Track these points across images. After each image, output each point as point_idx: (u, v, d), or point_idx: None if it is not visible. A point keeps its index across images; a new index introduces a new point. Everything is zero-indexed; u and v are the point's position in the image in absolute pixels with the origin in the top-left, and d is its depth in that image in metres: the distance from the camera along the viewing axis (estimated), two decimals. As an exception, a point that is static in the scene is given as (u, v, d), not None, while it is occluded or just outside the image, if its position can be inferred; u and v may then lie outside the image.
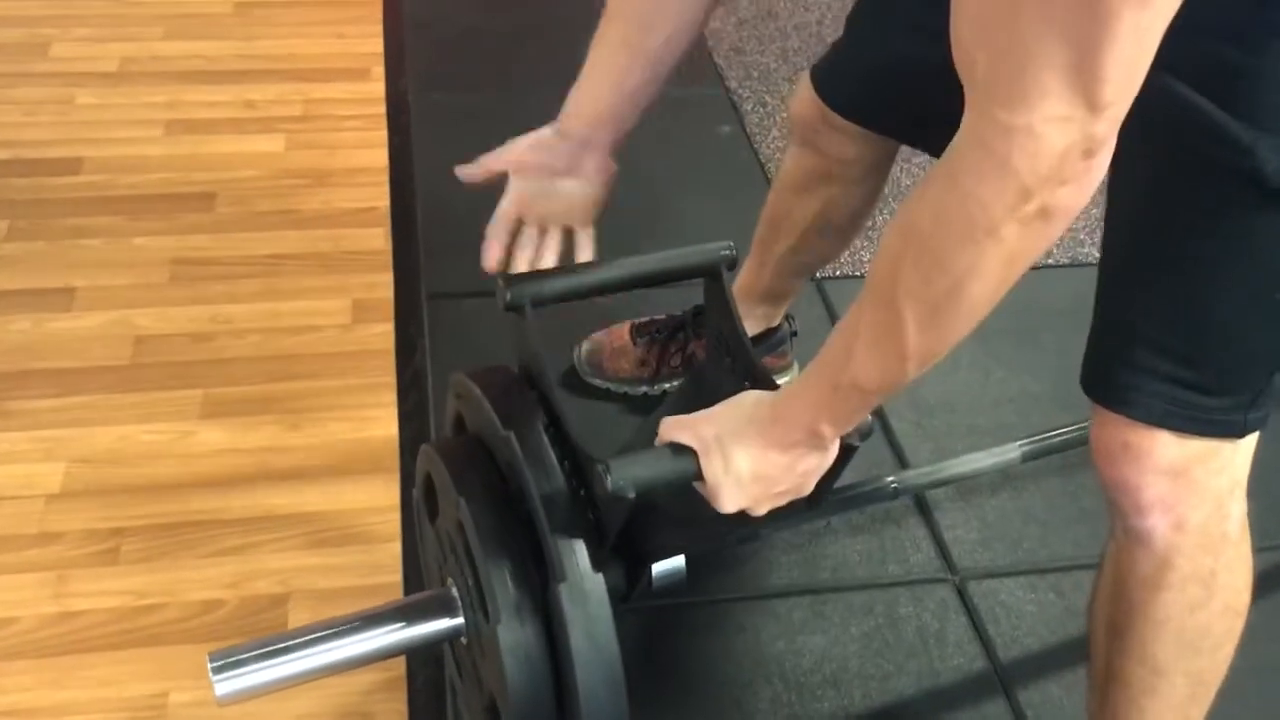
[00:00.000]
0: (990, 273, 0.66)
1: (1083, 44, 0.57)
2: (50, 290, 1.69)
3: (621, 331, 1.58)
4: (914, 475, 1.33)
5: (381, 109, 2.13)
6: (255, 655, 0.98)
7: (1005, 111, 0.61)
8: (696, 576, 1.31)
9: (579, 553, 0.90)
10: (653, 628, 1.32)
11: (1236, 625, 0.94)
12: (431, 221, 1.87)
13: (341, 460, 1.48)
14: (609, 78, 1.01)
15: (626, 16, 0.99)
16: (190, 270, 1.74)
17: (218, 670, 0.96)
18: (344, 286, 1.74)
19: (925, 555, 1.41)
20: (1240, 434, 0.87)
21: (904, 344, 0.72)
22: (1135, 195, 0.84)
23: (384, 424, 1.53)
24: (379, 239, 1.83)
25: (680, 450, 0.84)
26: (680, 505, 0.91)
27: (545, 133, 1.05)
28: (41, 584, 1.31)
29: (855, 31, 1.21)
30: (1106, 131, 0.60)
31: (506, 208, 1.07)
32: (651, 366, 1.55)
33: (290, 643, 1.00)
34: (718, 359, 1.07)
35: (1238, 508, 0.91)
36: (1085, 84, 0.58)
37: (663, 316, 1.57)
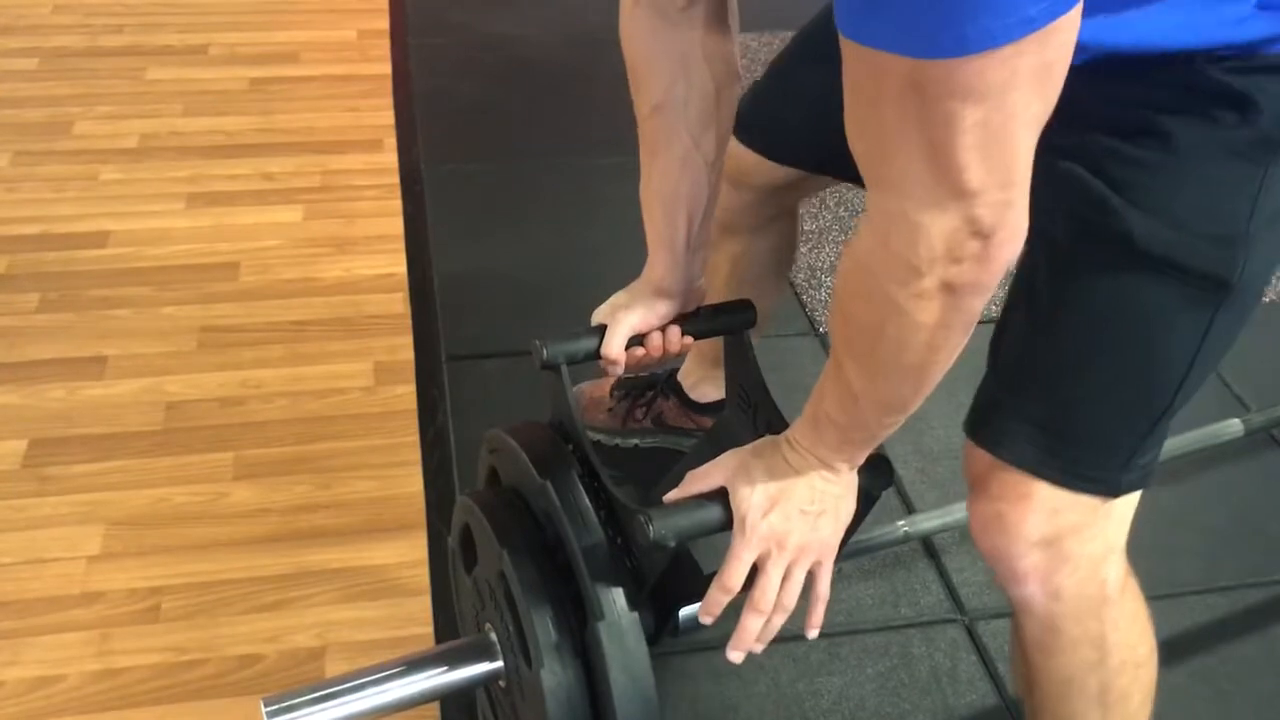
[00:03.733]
0: (910, 341, 0.74)
1: (934, 139, 0.64)
2: (83, 359, 1.75)
3: (604, 385, 1.65)
4: (922, 519, 1.38)
5: (395, 178, 2.21)
6: (306, 700, 1.03)
7: (883, 198, 0.69)
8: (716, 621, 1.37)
9: (617, 594, 0.96)
10: (677, 671, 1.37)
11: (1141, 675, 0.99)
12: (447, 286, 1.94)
13: (370, 517, 1.54)
14: (666, 237, 1.06)
15: (656, 192, 1.05)
16: (218, 337, 1.81)
17: (272, 714, 1.01)
18: (366, 350, 1.80)
19: (935, 597, 1.47)
20: (1112, 493, 0.91)
21: (851, 389, 0.81)
22: (1030, 249, 0.90)
23: (410, 481, 1.59)
24: (398, 304, 1.90)
25: (713, 499, 0.91)
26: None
27: (647, 300, 1.07)
28: (85, 642, 1.35)
29: (779, 73, 1.24)
30: (992, 213, 0.67)
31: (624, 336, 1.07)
32: (619, 419, 1.62)
33: (339, 688, 1.05)
34: (740, 412, 1.13)
35: (1114, 571, 0.94)
36: (945, 174, 0.65)
37: (646, 374, 1.63)
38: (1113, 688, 0.97)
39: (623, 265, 1.13)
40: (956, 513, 1.36)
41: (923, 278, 0.70)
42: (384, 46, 2.67)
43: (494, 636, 1.08)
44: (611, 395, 1.63)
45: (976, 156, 0.65)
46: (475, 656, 1.08)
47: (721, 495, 0.91)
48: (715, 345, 1.47)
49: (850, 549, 1.33)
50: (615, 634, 0.96)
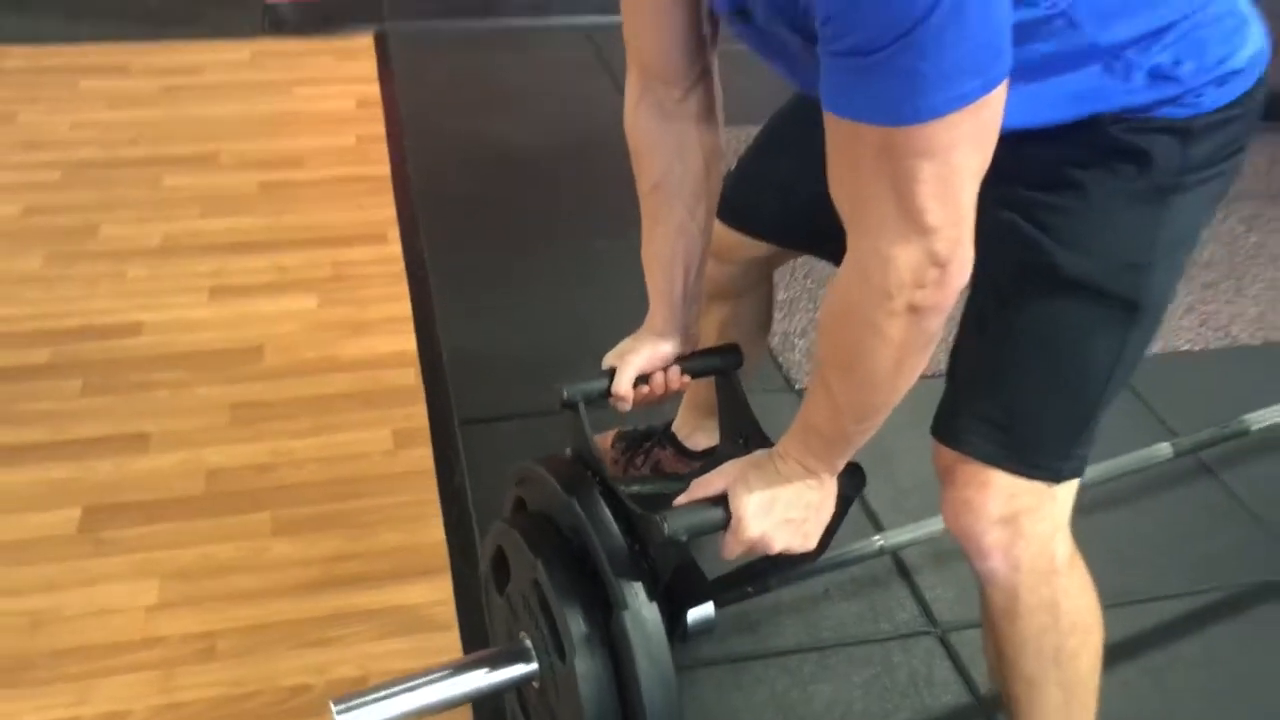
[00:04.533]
0: (883, 355, 0.93)
1: (900, 189, 0.85)
2: (127, 435, 1.92)
3: (607, 438, 1.82)
4: (894, 534, 1.56)
5: (401, 266, 2.40)
6: (370, 700, 1.19)
7: (861, 239, 0.90)
8: (719, 641, 1.55)
9: (637, 588, 1.13)
10: (684, 684, 1.52)
11: (1089, 640, 1.17)
12: (456, 359, 2.12)
13: (399, 564, 1.69)
14: (665, 294, 1.25)
15: (656, 255, 1.25)
16: (249, 413, 1.98)
17: (341, 711, 1.17)
18: (385, 419, 1.98)
19: (910, 613, 1.64)
20: (1056, 479, 1.10)
21: (835, 401, 1.00)
22: (977, 285, 1.09)
23: (432, 532, 1.75)
24: (411, 377, 2.08)
25: (716, 502, 1.09)
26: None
27: (651, 345, 1.26)
28: (149, 681, 1.50)
29: (757, 158, 1.43)
30: (947, 247, 0.87)
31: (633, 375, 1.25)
32: (621, 469, 1.79)
33: (397, 689, 1.21)
34: (734, 446, 1.31)
35: (1062, 546, 1.13)
36: (909, 215, 0.86)
37: (644, 428, 1.81)
38: (1064, 648, 1.15)
39: (616, 331, 1.31)
40: (927, 527, 1.53)
41: (893, 300, 0.90)
42: (382, 150, 2.88)
43: (529, 643, 1.24)
44: (613, 447, 1.81)
45: (934, 201, 0.85)
46: (513, 660, 1.24)
47: (723, 499, 1.09)
48: (708, 398, 1.66)
49: (833, 560, 1.51)
50: (637, 622, 1.12)
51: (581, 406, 1.25)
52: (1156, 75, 1.00)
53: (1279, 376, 2.14)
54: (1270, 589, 1.72)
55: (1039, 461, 1.09)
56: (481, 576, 1.36)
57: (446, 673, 1.24)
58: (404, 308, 2.28)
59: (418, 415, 1.99)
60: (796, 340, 2.20)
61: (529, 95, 3.25)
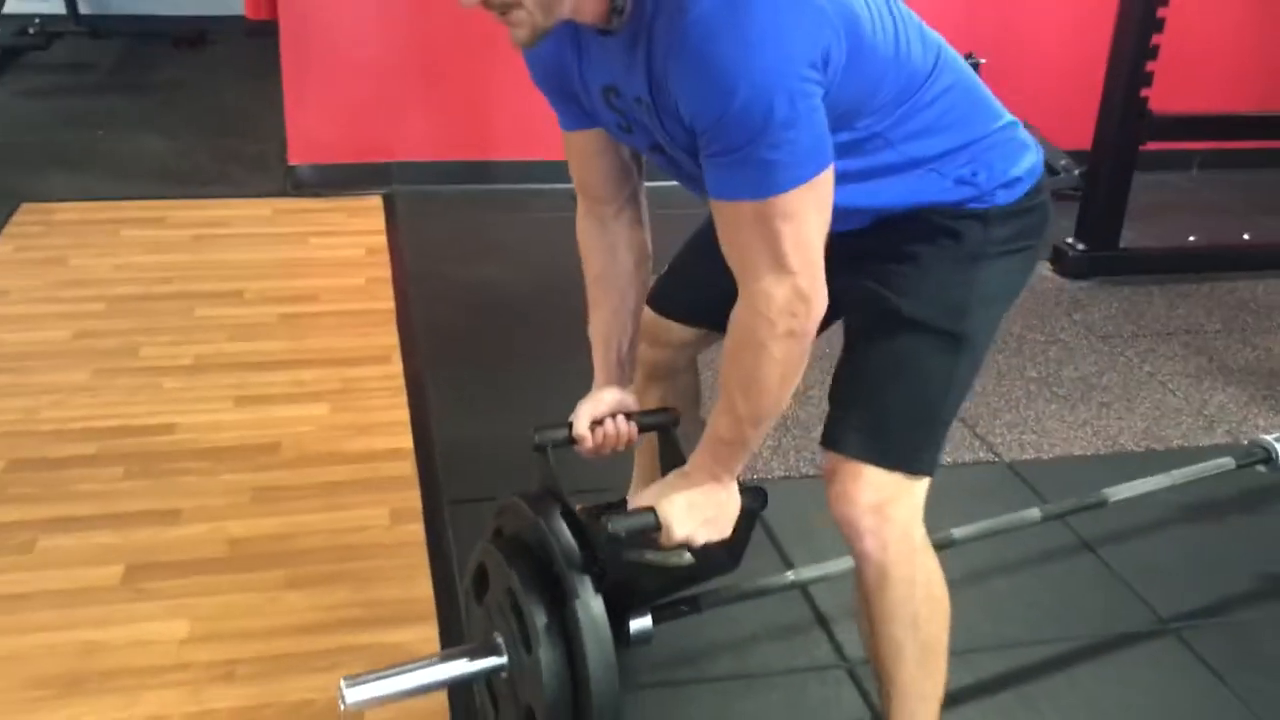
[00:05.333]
0: (772, 369, 1.30)
1: (769, 245, 1.24)
2: (162, 510, 2.24)
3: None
4: (804, 570, 1.87)
5: (401, 383, 2.77)
6: (372, 678, 1.50)
7: (749, 284, 1.28)
8: (662, 669, 1.84)
9: (586, 582, 1.45)
10: (627, 675, 1.78)
11: (938, 608, 1.49)
12: (446, 453, 2.47)
13: (394, 612, 2.00)
14: (604, 356, 1.62)
15: (598, 331, 1.62)
16: (267, 494, 2.31)
17: (349, 685, 1.47)
18: (384, 500, 2.30)
19: (825, 651, 1.95)
20: (912, 472, 1.43)
21: (736, 412, 1.36)
22: (850, 319, 1.48)
23: (423, 588, 2.06)
24: (408, 469, 2.42)
25: (647, 511, 1.42)
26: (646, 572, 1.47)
27: (596, 396, 1.60)
28: (182, 696, 1.79)
29: (682, 262, 1.79)
30: (807, 283, 1.25)
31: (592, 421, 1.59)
32: None
33: (393, 671, 1.52)
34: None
35: (918, 531, 1.46)
36: (778, 262, 1.24)
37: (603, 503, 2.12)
38: (920, 614, 1.47)
39: None
40: (831, 566, 1.84)
41: (775, 326, 1.27)
42: (388, 290, 3.29)
43: (501, 641, 1.55)
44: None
45: (793, 251, 1.24)
46: (488, 653, 1.55)
47: (652, 510, 1.42)
48: (654, 470, 2.00)
49: (755, 589, 1.82)
50: (585, 608, 1.43)
51: (549, 449, 1.59)
52: (960, 181, 1.42)
53: (1147, 469, 2.47)
54: (1125, 637, 2.03)
55: (898, 458, 1.43)
56: (463, 592, 1.68)
57: (435, 660, 1.56)
58: (403, 415, 2.63)
59: (412, 498, 2.32)
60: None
61: (517, 246, 3.69)
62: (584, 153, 1.55)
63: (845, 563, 1.83)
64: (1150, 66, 3.45)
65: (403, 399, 2.70)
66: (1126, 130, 3.50)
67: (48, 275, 3.28)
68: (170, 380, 2.74)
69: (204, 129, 4.77)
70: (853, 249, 1.43)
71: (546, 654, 1.44)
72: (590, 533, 1.48)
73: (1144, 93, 3.47)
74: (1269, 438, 2.20)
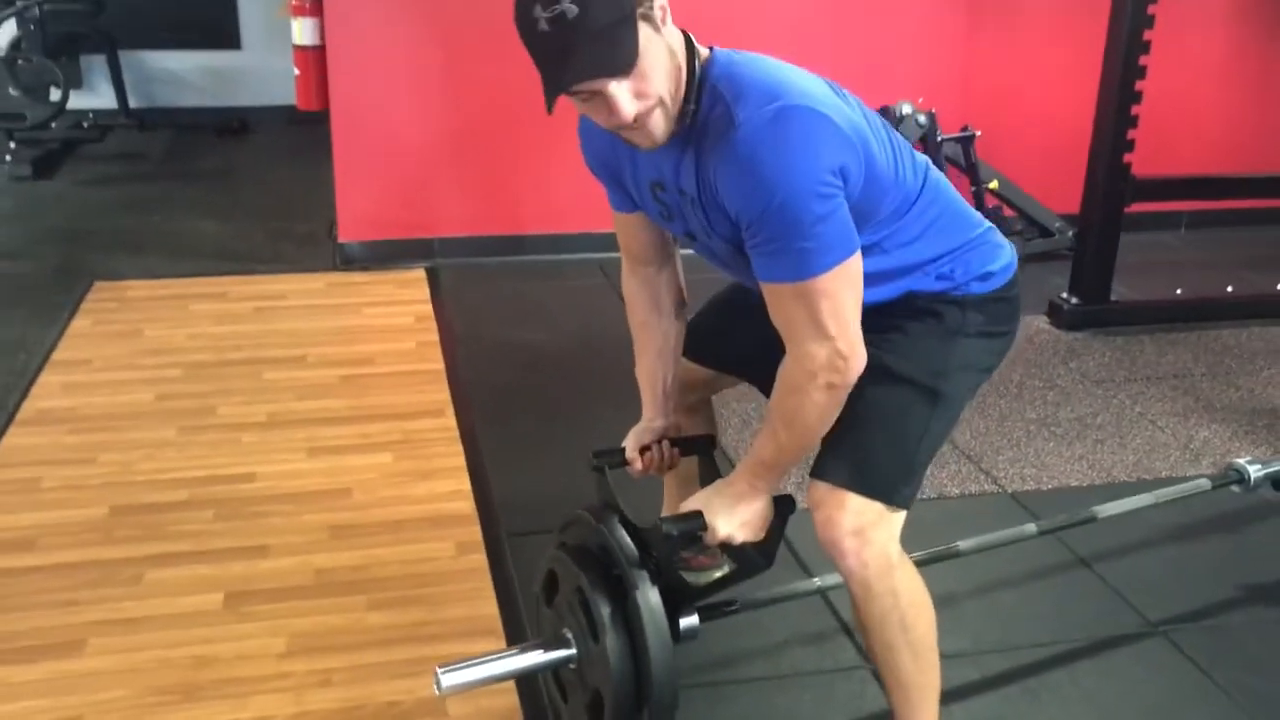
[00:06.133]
0: (812, 411, 1.58)
1: (812, 316, 1.52)
2: (252, 547, 2.51)
3: None
4: (827, 577, 2.12)
5: (456, 433, 3.05)
6: (463, 666, 1.75)
7: (795, 346, 1.56)
8: (704, 672, 2.09)
9: (644, 576, 1.71)
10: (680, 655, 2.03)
11: (923, 612, 1.72)
12: (501, 493, 2.74)
13: (463, 629, 2.25)
14: (651, 391, 1.90)
15: (645, 370, 1.91)
16: (344, 532, 2.58)
17: (444, 672, 1.73)
18: (449, 535, 2.57)
19: (849, 654, 2.19)
20: (891, 503, 1.66)
21: (779, 443, 1.63)
22: None
23: (488, 607, 2.32)
24: (467, 508, 2.69)
25: (695, 516, 1.68)
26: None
27: (650, 424, 1.89)
28: (285, 699, 2.04)
29: (705, 317, 2.03)
30: (846, 346, 1.54)
31: (640, 446, 1.88)
32: None
33: (480, 660, 1.78)
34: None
35: (895, 550, 1.67)
36: (819, 330, 1.52)
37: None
38: (906, 618, 1.70)
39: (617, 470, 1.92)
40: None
41: (816, 379, 1.55)
42: (437, 352, 3.59)
43: (570, 635, 1.81)
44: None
45: (831, 321, 1.52)
46: (559, 645, 1.80)
47: (699, 513, 1.69)
48: (682, 489, 2.24)
49: (784, 594, 2.07)
50: (644, 599, 1.69)
51: (606, 470, 1.87)
52: (941, 276, 1.73)
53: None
54: (1118, 639, 2.28)
55: (877, 489, 1.66)
56: (533, 597, 1.94)
57: (515, 652, 1.82)
58: (459, 461, 2.91)
59: (473, 532, 2.59)
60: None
61: (551, 310, 4.00)
62: (631, 228, 1.86)
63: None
64: (1131, 134, 3.76)
65: (458, 447, 2.98)
66: (1111, 193, 3.80)
67: (126, 345, 3.59)
68: (248, 435, 3.02)
69: (254, 211, 5.12)
70: None
71: (612, 641, 1.70)
72: (646, 537, 1.74)
73: (1126, 158, 3.78)
74: (1242, 460, 2.46)
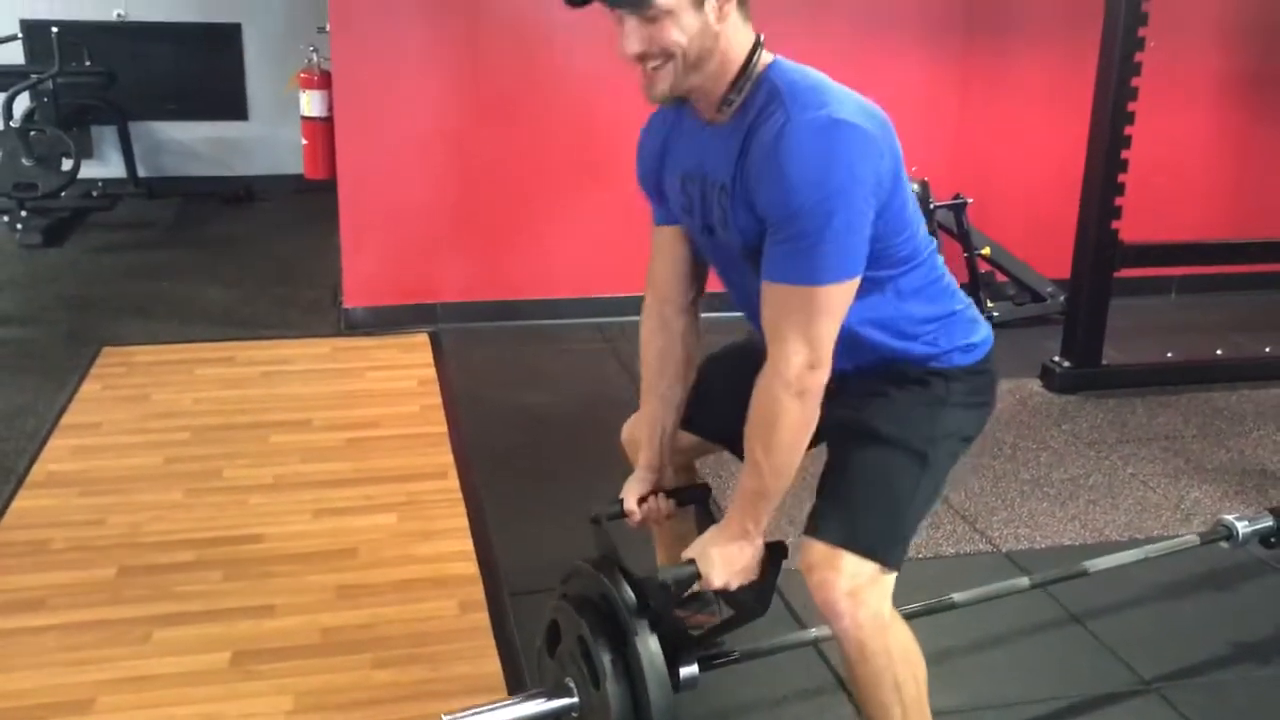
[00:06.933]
0: (787, 421, 1.63)
1: (803, 321, 1.59)
2: (259, 606, 2.55)
3: None
4: (823, 629, 2.15)
5: (459, 495, 3.10)
6: (469, 714, 1.80)
7: (777, 349, 1.61)
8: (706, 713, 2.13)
9: (644, 624, 1.75)
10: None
11: (916, 672, 1.76)
12: (503, 554, 2.78)
13: (466, 686, 2.29)
14: (650, 441, 1.96)
15: (646, 419, 1.97)
16: (349, 591, 2.62)
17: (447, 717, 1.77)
18: (452, 594, 2.61)
19: (848, 710, 2.23)
20: (883, 564, 1.70)
21: (758, 465, 1.68)
22: (833, 438, 1.81)
23: (491, 665, 2.36)
24: (470, 567, 2.73)
25: (690, 564, 1.73)
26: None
27: (644, 476, 1.95)
28: (292, 756, 2.08)
29: (698, 385, 2.07)
30: (820, 359, 1.60)
31: (638, 498, 1.94)
32: None
33: (484, 709, 1.82)
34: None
35: (887, 610, 1.72)
36: (805, 336, 1.59)
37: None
38: (899, 677, 1.74)
39: (615, 528, 1.94)
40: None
41: (790, 385, 1.61)
42: (440, 415, 3.65)
43: (572, 684, 1.85)
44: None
45: (818, 331, 1.60)
46: (562, 694, 1.85)
47: (693, 563, 1.73)
48: (673, 538, 2.26)
49: (779, 645, 2.11)
50: (644, 644, 1.73)
51: (604, 521, 1.92)
52: (927, 342, 1.80)
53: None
54: (1112, 696, 2.31)
55: (870, 548, 1.71)
56: (535, 650, 1.98)
57: (519, 700, 1.86)
58: (462, 522, 2.95)
59: (476, 592, 2.63)
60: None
61: (550, 374, 4.06)
62: (666, 246, 1.92)
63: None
64: (1118, 201, 3.86)
65: (461, 509, 3.03)
66: (1100, 259, 3.89)
67: (135, 409, 3.65)
68: (254, 497, 3.07)
69: (260, 277, 5.21)
70: (838, 389, 1.76)
71: (613, 688, 1.75)
72: (644, 587, 1.79)
73: (1114, 225, 3.87)
74: (1230, 517, 2.51)
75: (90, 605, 2.54)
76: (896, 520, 1.76)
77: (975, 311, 1.88)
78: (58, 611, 2.52)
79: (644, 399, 1.97)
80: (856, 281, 1.62)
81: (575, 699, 1.84)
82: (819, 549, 1.71)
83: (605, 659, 1.75)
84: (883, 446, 1.76)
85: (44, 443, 3.37)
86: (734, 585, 1.73)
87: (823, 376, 1.63)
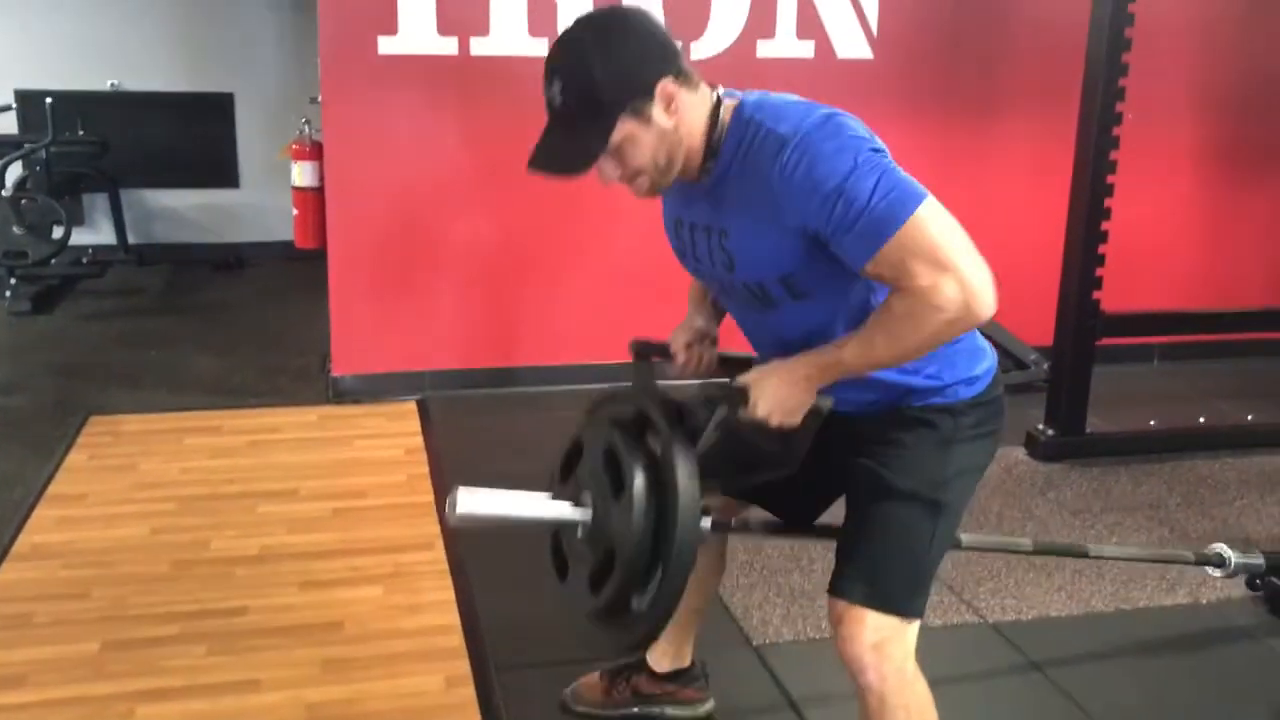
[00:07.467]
0: (924, 338, 1.61)
1: (924, 255, 1.57)
2: (244, 681, 2.53)
3: (594, 675, 2.45)
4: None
5: (445, 566, 3.09)
6: (484, 492, 1.76)
7: (912, 281, 1.57)
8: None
9: (679, 430, 1.67)
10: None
11: None
12: (491, 627, 2.77)
13: (453, 763, 2.28)
14: (698, 298, 2.04)
15: (695, 287, 2.05)
16: (335, 665, 2.61)
17: (466, 492, 1.72)
18: (439, 669, 2.60)
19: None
20: (905, 617, 1.75)
21: (872, 347, 1.65)
22: (850, 494, 1.84)
23: (478, 742, 2.35)
24: (457, 641, 2.72)
25: (743, 387, 1.68)
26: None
27: (694, 323, 2.01)
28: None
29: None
30: (969, 275, 1.57)
31: (685, 343, 1.99)
32: (604, 693, 2.40)
33: (505, 492, 1.78)
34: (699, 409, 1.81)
35: (910, 666, 1.77)
36: (938, 263, 1.57)
37: (622, 664, 2.41)
38: None
39: None
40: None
41: (943, 311, 1.57)
42: (427, 485, 3.65)
43: (590, 500, 1.75)
44: (600, 679, 2.43)
45: (946, 250, 1.58)
46: (580, 505, 1.77)
47: (745, 388, 1.68)
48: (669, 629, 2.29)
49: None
50: (680, 448, 1.64)
51: (649, 357, 1.94)
52: (929, 377, 1.82)
53: (1116, 626, 2.80)
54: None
55: (893, 604, 1.75)
56: (549, 475, 1.91)
57: (544, 495, 1.84)
58: (449, 594, 2.95)
59: (463, 666, 2.62)
60: (754, 610, 2.87)
61: (541, 442, 3.96)
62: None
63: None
64: (1099, 272, 3.91)
65: (448, 580, 3.02)
66: (1082, 329, 3.94)
67: (121, 480, 3.64)
68: (241, 569, 3.06)
69: (249, 345, 5.23)
70: (849, 435, 1.82)
71: (639, 491, 1.65)
72: (683, 407, 1.73)
73: (1095, 295, 3.92)
74: (1224, 546, 2.58)
75: (72, 681, 2.52)
76: (915, 571, 1.80)
77: (978, 340, 1.88)
78: (39, 688, 2.50)
79: (693, 286, 2.07)
80: (934, 202, 1.61)
81: (590, 511, 1.75)
82: (843, 605, 1.76)
83: (633, 466, 1.64)
84: (897, 500, 1.79)
85: (29, 514, 3.36)
86: (774, 422, 1.68)
87: (985, 297, 1.59)
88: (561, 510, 1.78)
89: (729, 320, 2.01)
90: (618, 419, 1.78)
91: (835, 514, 1.95)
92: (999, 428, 1.91)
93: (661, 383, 1.93)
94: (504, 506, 1.76)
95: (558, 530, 1.87)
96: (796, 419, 1.70)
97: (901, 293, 1.61)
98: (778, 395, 1.68)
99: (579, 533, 1.76)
